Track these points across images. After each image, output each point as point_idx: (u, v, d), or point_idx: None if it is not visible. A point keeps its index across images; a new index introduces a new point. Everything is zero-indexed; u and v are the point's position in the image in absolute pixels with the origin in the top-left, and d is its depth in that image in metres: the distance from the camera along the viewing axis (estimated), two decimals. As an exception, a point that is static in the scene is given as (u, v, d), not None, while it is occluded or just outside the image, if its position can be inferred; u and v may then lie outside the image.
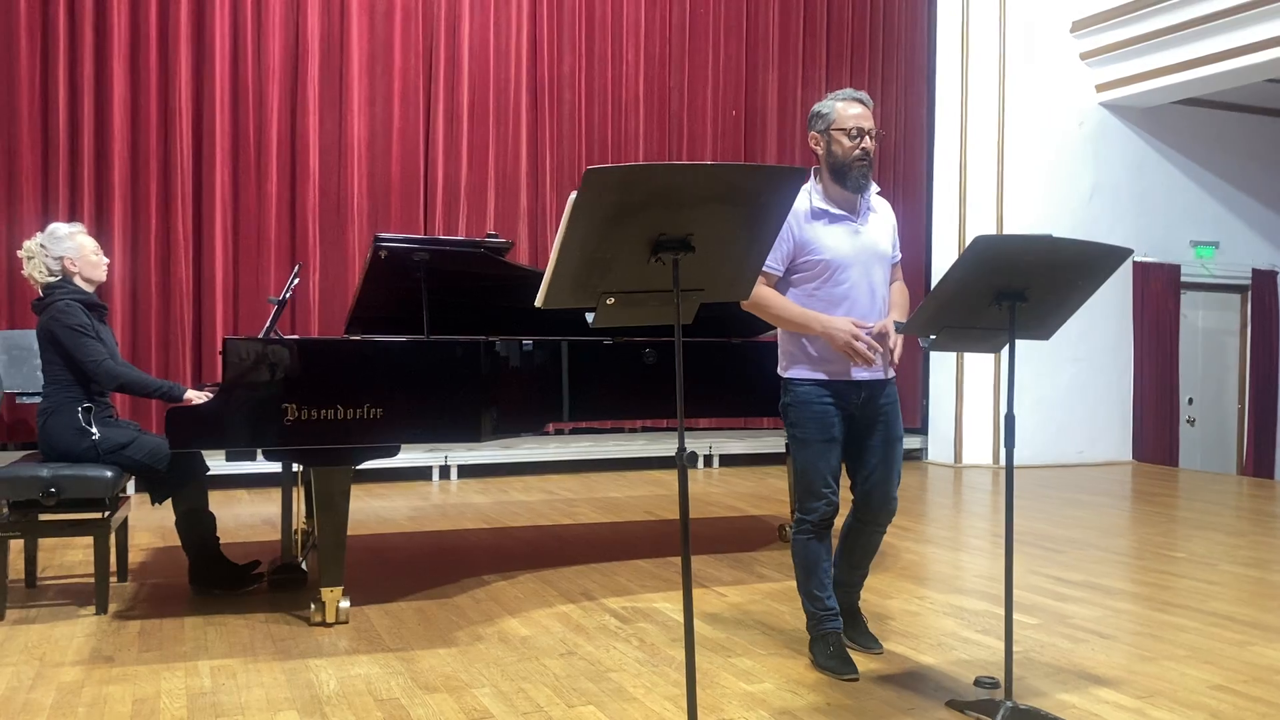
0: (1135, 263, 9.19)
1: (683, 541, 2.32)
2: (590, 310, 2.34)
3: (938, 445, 9.13)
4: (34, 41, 6.97)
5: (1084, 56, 8.88)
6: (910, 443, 9.30)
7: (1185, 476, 8.54)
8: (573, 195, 2.11)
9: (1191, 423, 9.68)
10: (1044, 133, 8.81)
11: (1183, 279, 9.39)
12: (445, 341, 3.91)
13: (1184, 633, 3.81)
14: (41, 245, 4.11)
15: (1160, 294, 9.24)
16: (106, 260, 4.31)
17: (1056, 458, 8.90)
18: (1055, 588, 4.49)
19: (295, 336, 3.89)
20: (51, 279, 4.11)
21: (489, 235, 4.27)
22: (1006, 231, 8.49)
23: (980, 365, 8.75)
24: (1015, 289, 2.82)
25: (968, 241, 3.02)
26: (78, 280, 4.13)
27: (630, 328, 3.98)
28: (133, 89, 7.21)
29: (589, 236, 2.18)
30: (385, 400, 3.72)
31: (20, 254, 4.16)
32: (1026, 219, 8.60)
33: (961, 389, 8.86)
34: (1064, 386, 8.94)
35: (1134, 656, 3.53)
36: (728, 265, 2.40)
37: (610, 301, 2.32)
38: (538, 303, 2.27)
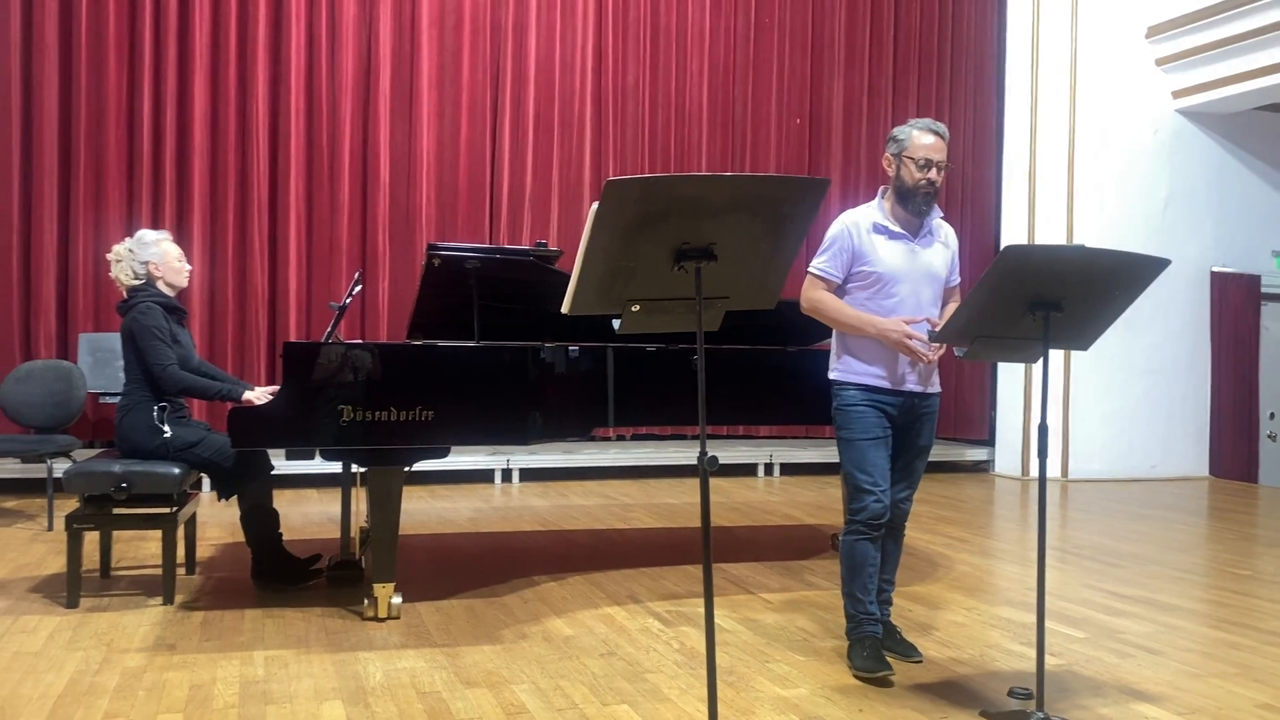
0: (1213, 273, 8.95)
1: (704, 545, 2.37)
2: (616, 317, 2.41)
3: (1005, 457, 8.99)
4: (121, 58, 7.32)
5: (1160, 62, 8.69)
6: (977, 454, 9.20)
7: (1265, 493, 8.27)
8: (594, 205, 2.18)
9: (1273, 438, 9.38)
10: (1117, 140, 8.63)
11: (1263, 289, 9.11)
12: (493, 347, 4.02)
13: (1237, 650, 3.73)
14: (130, 249, 4.33)
15: (1239, 305, 8.98)
16: (189, 268, 4.52)
17: (1129, 472, 8.70)
18: (1109, 602, 4.42)
19: (354, 341, 4.04)
20: (136, 282, 4.32)
21: (538, 244, 4.37)
22: (1076, 241, 8.34)
23: (1049, 377, 8.60)
24: (1050, 299, 2.81)
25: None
26: (160, 285, 4.34)
27: (687, 334, 4.04)
28: (213, 102, 7.51)
29: (612, 245, 2.25)
30: (436, 403, 3.84)
31: (109, 257, 4.39)
32: (1098, 228, 8.43)
33: (1029, 401, 8.71)
34: (1137, 399, 8.73)
35: (1181, 673, 3.47)
36: (751, 273, 2.45)
37: (635, 309, 2.38)
38: (564, 309, 2.34)
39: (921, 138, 3.34)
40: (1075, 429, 8.64)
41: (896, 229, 3.39)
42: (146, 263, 4.31)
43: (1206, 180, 8.92)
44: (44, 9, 7.13)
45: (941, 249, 3.48)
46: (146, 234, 4.39)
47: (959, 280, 3.58)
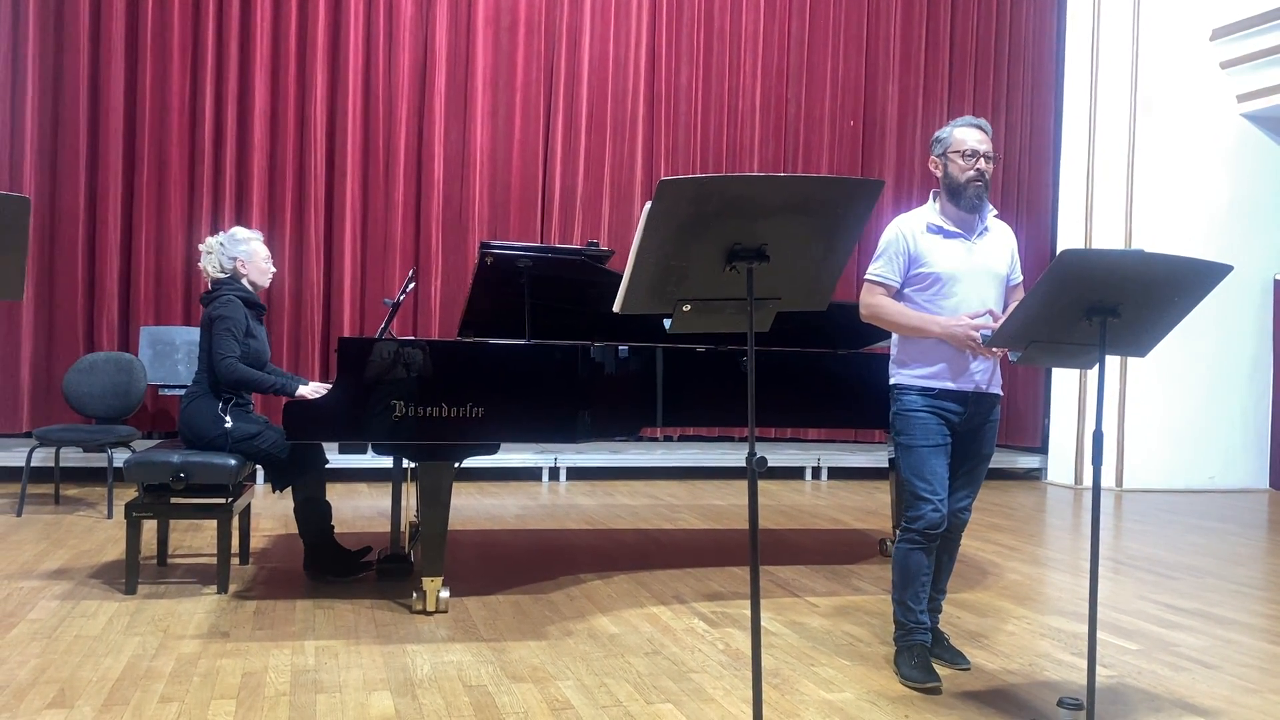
0: (1277, 281, 8.74)
1: (751, 546, 2.37)
2: (667, 316, 2.42)
3: (1058, 465, 8.85)
4: (185, 58, 7.48)
5: (1224, 65, 8.51)
6: (1029, 462, 9.07)
7: (1327, 507, 8.06)
8: (648, 205, 2.19)
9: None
10: (1179, 144, 8.46)
11: (1330, 299, 8.88)
12: (544, 346, 4.05)
13: (1296, 667, 3.65)
14: (221, 244, 4.46)
15: (1304, 314, 8.76)
16: (274, 270, 4.62)
17: (1186, 483, 8.53)
18: (1164, 614, 4.34)
19: (407, 338, 4.09)
20: (221, 275, 4.44)
21: (590, 244, 4.39)
22: (1134, 246, 8.20)
23: (1105, 384, 8.44)
24: (1107, 304, 2.76)
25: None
26: (244, 281, 4.45)
27: (736, 335, 4.04)
28: (272, 102, 7.65)
29: (664, 245, 2.26)
30: (487, 400, 3.87)
31: (201, 247, 4.52)
32: (1157, 233, 8.27)
33: (1084, 408, 8.57)
34: (1196, 409, 8.55)
35: (1236, 688, 3.40)
36: (804, 275, 2.44)
37: (686, 309, 2.39)
38: (615, 308, 2.36)
39: (964, 132, 3.32)
40: (1131, 437, 8.48)
41: (951, 228, 3.34)
42: (235, 259, 4.42)
43: (1271, 186, 8.71)
44: (111, 10, 7.31)
45: (999, 246, 3.41)
46: (239, 231, 4.52)
47: (1021, 278, 3.50)
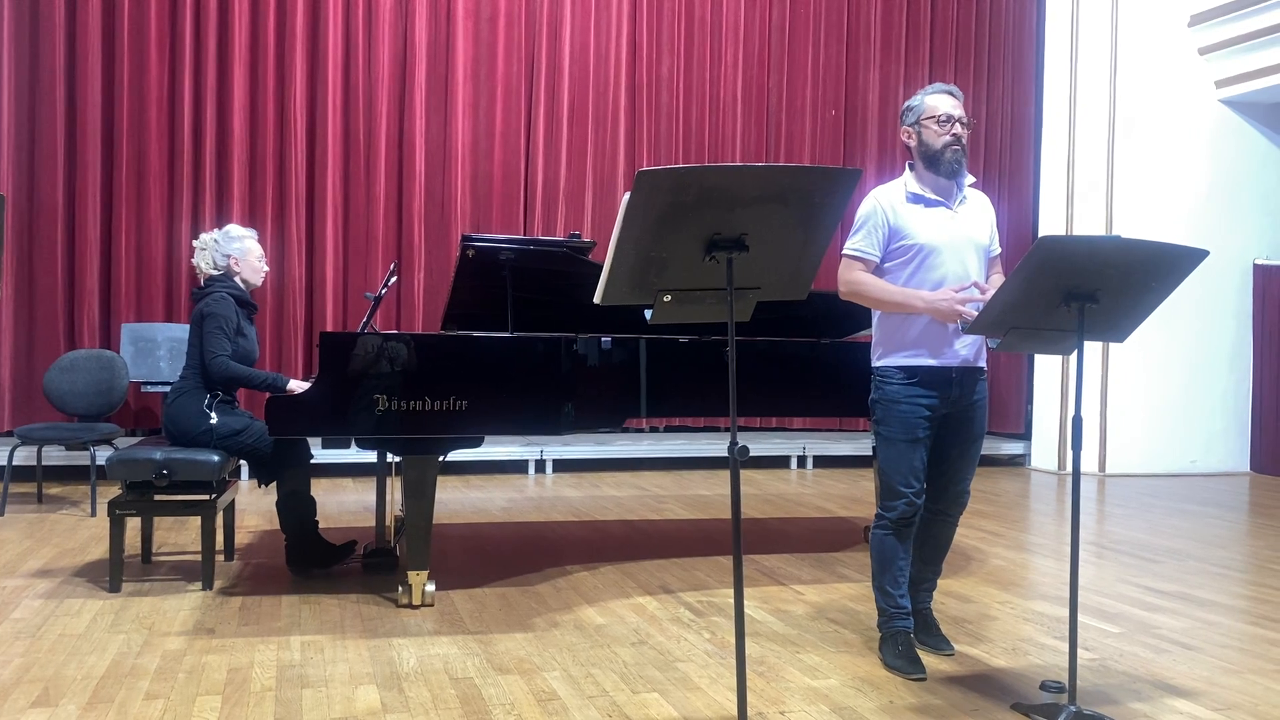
0: (1256, 265, 8.81)
1: (734, 534, 2.38)
2: (648, 307, 2.42)
3: (1041, 451, 8.91)
4: (163, 53, 7.42)
5: (1202, 51, 8.55)
6: (1012, 448, 9.12)
7: (1307, 489, 8.14)
8: (626, 195, 2.20)
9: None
10: (1158, 130, 8.51)
11: (1308, 283, 8.94)
12: (527, 338, 4.05)
13: (1276, 647, 3.68)
14: (215, 240, 4.46)
15: (1283, 298, 8.82)
16: (267, 269, 4.63)
17: (1168, 467, 8.59)
18: (1145, 597, 4.38)
19: (389, 332, 4.08)
20: (215, 272, 4.44)
21: (572, 235, 4.39)
22: (1115, 232, 8.24)
23: (1086, 371, 8.51)
24: (1085, 290, 2.78)
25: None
26: (237, 279, 4.44)
27: (720, 324, 4.05)
28: (251, 96, 7.60)
29: (643, 236, 2.26)
30: (470, 393, 3.87)
31: (195, 244, 4.53)
32: (1138, 219, 8.31)
33: (1066, 394, 8.63)
34: (1177, 393, 8.61)
35: (1217, 669, 3.43)
36: (783, 264, 2.45)
37: (667, 299, 2.39)
38: (596, 299, 2.36)
39: (937, 98, 3.26)
40: (1113, 423, 8.54)
41: (933, 196, 3.26)
42: (228, 256, 4.42)
43: (1250, 171, 8.76)
44: (87, 5, 7.24)
45: (980, 215, 3.35)
46: (234, 229, 4.52)
47: (1000, 250, 3.44)
